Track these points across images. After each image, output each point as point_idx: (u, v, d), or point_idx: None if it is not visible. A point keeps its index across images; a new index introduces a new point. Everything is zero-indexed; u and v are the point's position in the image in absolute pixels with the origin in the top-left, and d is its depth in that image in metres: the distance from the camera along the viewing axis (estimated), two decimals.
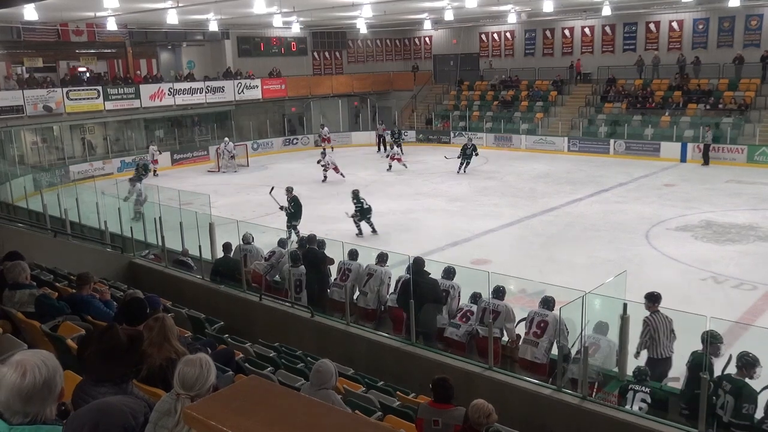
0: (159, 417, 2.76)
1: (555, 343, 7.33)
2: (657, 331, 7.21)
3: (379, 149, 30.56)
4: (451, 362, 7.00)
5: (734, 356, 6.12)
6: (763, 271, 12.49)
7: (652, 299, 7.39)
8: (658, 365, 7.18)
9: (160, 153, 26.19)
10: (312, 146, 32.40)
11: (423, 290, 8.16)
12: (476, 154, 24.11)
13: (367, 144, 32.75)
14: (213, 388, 2.86)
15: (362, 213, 15.84)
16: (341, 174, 23.03)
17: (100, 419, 2.46)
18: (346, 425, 1.87)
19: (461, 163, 23.99)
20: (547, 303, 7.61)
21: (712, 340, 6.12)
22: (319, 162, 23.40)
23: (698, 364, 6.07)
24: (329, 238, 10.53)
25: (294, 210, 15.31)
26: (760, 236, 14.98)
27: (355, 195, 16.00)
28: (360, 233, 15.96)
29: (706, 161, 24.44)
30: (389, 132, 29.93)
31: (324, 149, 25.33)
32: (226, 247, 10.33)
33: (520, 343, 7.65)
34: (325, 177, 23.16)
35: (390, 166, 25.14)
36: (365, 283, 9.20)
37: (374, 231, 15.98)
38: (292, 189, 15.71)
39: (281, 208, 15.40)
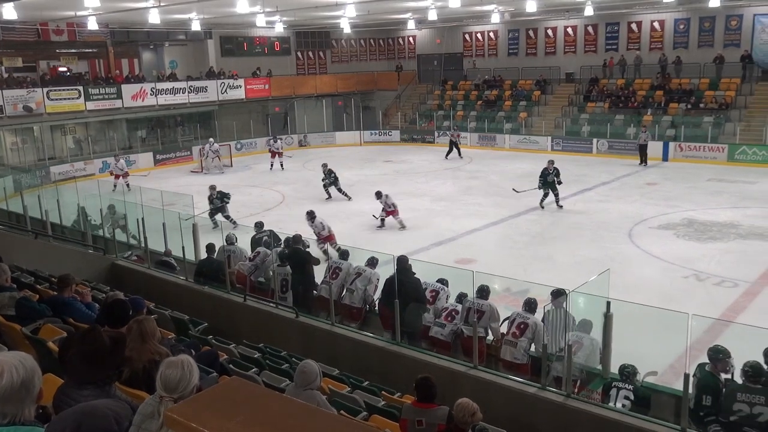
0: (142, 420, 2.74)
1: (534, 344, 7.38)
2: (552, 323, 7.37)
3: (450, 154, 27.68)
4: (436, 361, 7.01)
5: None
6: (744, 269, 12.64)
7: (557, 295, 7.54)
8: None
9: (127, 172, 22.38)
10: (296, 146, 32.34)
11: (407, 289, 8.18)
12: (559, 182, 18.04)
13: (351, 144, 32.75)
14: (197, 390, 2.84)
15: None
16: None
17: (82, 422, 2.43)
18: (328, 426, 1.86)
19: (545, 195, 18.04)
20: (530, 305, 7.64)
21: (720, 356, 5.93)
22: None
23: (707, 384, 5.88)
24: (313, 239, 10.51)
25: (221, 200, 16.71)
26: (741, 234, 15.15)
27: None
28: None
29: (644, 160, 24.56)
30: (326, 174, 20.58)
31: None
32: (210, 248, 10.28)
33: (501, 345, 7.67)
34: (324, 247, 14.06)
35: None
36: (352, 281, 9.22)
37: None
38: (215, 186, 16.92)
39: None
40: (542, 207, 17.95)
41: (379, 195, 16.85)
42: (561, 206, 17.87)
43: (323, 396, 5.10)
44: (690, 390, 5.67)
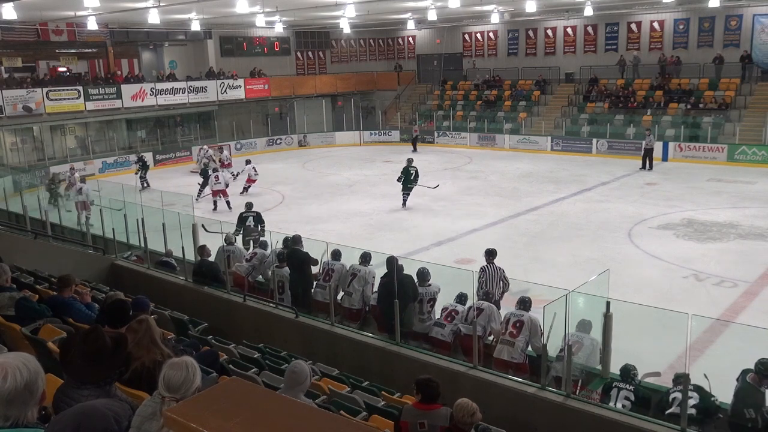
0: (142, 421, 2.74)
1: (531, 342, 7.38)
2: (488, 276, 9.27)
3: (414, 149, 29.94)
4: (436, 362, 7.01)
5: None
6: (743, 269, 12.64)
7: (491, 254, 9.59)
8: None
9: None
10: (296, 146, 32.36)
11: (390, 289, 8.16)
12: (399, 178, 19.05)
13: (351, 144, 32.77)
14: (197, 391, 2.85)
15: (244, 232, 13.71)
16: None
17: (81, 422, 2.43)
18: (328, 426, 1.86)
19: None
20: (524, 303, 7.64)
21: (763, 369, 5.74)
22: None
23: (748, 395, 5.73)
24: (313, 239, 10.50)
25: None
26: (741, 234, 15.15)
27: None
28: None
29: (650, 166, 23.77)
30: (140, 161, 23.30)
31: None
32: (201, 251, 10.08)
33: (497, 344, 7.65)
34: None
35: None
36: (349, 283, 9.18)
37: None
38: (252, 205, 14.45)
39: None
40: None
41: (248, 162, 21.59)
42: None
43: (314, 399, 5.06)
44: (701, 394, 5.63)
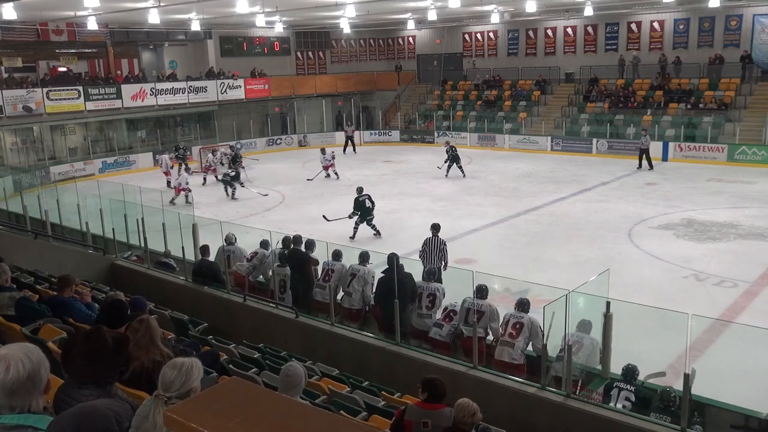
0: (142, 421, 2.74)
1: (531, 343, 7.39)
2: (429, 248, 10.81)
3: (345, 150, 29.77)
4: (436, 362, 7.01)
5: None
6: (743, 269, 12.64)
7: (435, 228, 11.18)
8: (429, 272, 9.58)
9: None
10: (296, 146, 32.36)
11: (388, 286, 8.18)
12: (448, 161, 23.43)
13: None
14: (196, 391, 2.86)
15: (362, 214, 15.45)
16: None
17: (82, 422, 2.42)
18: (328, 426, 1.86)
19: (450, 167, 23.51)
20: (523, 305, 7.64)
21: None
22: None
23: None
24: (313, 239, 10.49)
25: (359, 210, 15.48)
26: (741, 234, 15.15)
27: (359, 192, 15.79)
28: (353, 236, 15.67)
29: (650, 166, 23.70)
30: (179, 150, 25.24)
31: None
32: (203, 250, 10.10)
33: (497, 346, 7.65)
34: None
35: (173, 200, 19.64)
36: (349, 283, 9.18)
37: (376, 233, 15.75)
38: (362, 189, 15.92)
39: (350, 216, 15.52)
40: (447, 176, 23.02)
41: (323, 151, 23.75)
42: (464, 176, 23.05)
43: (307, 401, 5.04)
44: None
